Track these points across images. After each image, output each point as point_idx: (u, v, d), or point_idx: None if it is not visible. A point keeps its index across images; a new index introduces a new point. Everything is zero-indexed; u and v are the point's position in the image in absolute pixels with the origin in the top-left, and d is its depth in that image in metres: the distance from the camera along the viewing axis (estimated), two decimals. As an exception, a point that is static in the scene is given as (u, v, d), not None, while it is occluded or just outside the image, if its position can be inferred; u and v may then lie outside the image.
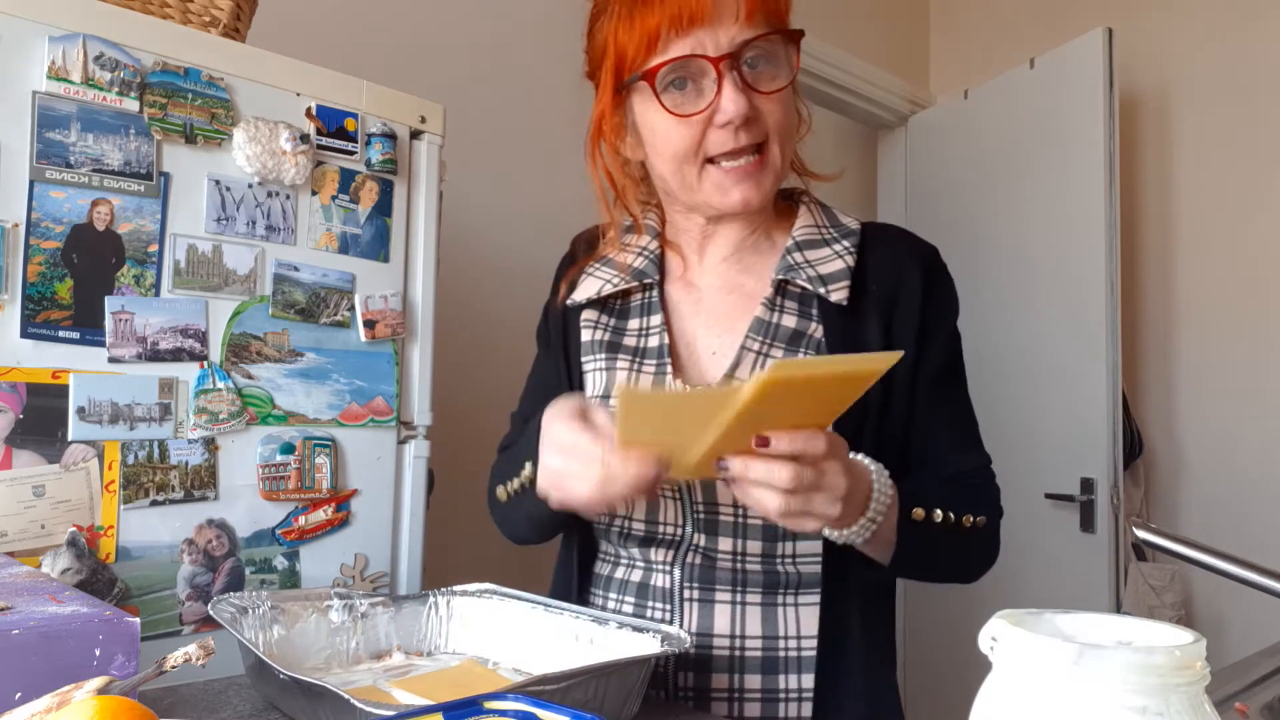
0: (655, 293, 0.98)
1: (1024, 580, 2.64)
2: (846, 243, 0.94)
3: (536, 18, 2.13)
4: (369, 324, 1.14)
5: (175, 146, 1.00)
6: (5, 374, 0.89)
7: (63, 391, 0.92)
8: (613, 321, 1.00)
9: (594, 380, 0.98)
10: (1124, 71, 2.69)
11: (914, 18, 3.35)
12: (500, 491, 0.99)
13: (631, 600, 0.94)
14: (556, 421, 0.79)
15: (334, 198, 1.12)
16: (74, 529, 0.91)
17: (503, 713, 0.50)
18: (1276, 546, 2.44)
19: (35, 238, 0.91)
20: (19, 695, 0.56)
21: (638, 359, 0.95)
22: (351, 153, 1.14)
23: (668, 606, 0.91)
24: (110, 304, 0.95)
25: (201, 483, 1.00)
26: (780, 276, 0.91)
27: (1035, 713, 0.42)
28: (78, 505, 0.92)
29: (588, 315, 1.00)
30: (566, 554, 1.04)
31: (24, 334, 0.90)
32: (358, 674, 0.84)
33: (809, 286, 0.90)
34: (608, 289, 0.99)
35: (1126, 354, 2.64)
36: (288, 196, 1.08)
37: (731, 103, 0.84)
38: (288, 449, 1.07)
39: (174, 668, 0.55)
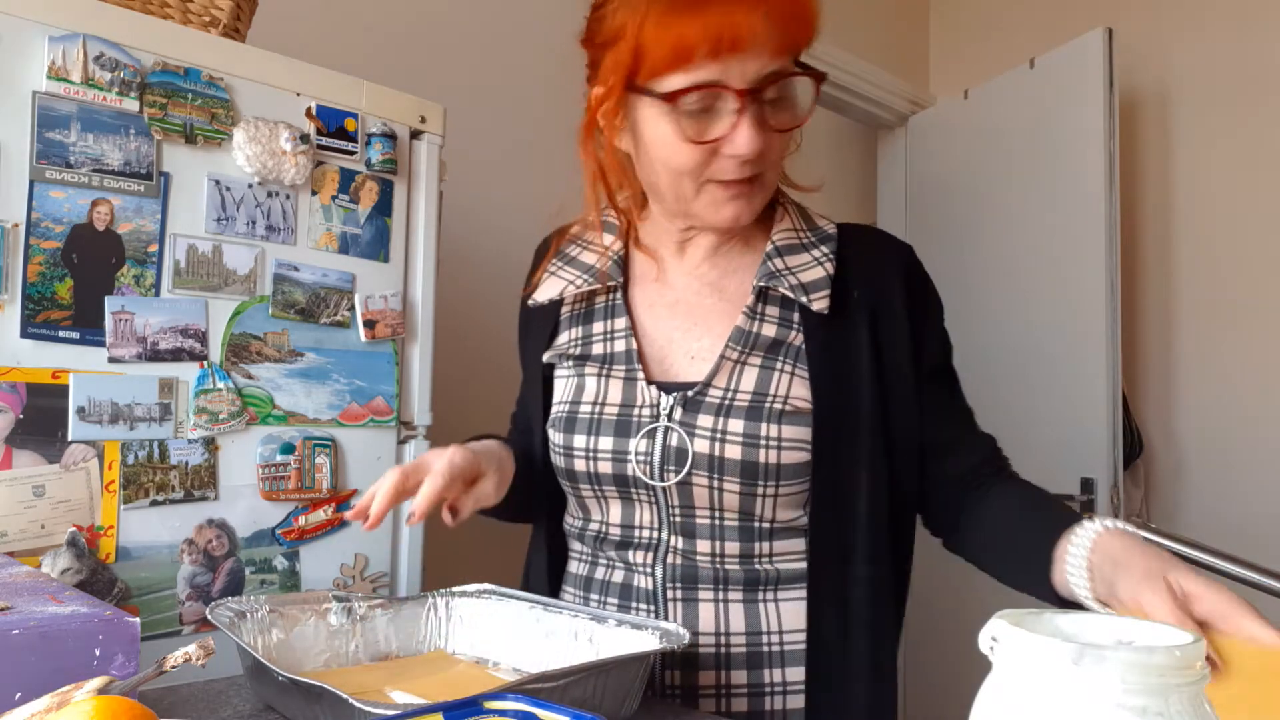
0: (619, 295, 0.97)
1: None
2: (825, 248, 0.93)
3: (536, 18, 2.13)
4: (369, 324, 1.14)
5: (175, 146, 1.00)
6: (5, 374, 0.89)
7: (63, 391, 0.92)
8: (580, 329, 0.98)
9: (563, 387, 0.97)
10: (1124, 71, 2.69)
11: (914, 18, 3.35)
12: None
13: (615, 601, 0.94)
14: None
15: (334, 198, 1.12)
16: (74, 529, 0.91)
17: (503, 713, 0.50)
18: (1276, 546, 2.44)
19: (35, 238, 0.91)
20: (19, 695, 0.56)
21: (606, 364, 0.95)
22: (351, 153, 1.14)
23: (651, 607, 0.91)
24: (110, 304, 0.95)
25: (201, 483, 1.00)
26: (762, 284, 0.90)
27: (1035, 713, 0.42)
28: (78, 505, 0.92)
29: (563, 320, 1.00)
30: (537, 555, 1.04)
31: (24, 334, 0.90)
32: (357, 676, 0.84)
33: (791, 295, 0.89)
34: (571, 290, 0.97)
35: (1126, 354, 2.64)
36: (288, 196, 1.08)
37: (746, 141, 0.82)
38: (288, 449, 1.07)
39: (174, 668, 0.55)
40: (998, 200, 2.86)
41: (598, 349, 0.96)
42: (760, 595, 0.90)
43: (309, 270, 1.10)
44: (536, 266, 1.05)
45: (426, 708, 0.49)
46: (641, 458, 0.89)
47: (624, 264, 0.99)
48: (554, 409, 0.97)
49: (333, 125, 1.12)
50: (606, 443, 0.91)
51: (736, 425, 0.87)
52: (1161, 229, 2.81)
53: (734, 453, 0.86)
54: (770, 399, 0.88)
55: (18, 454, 0.89)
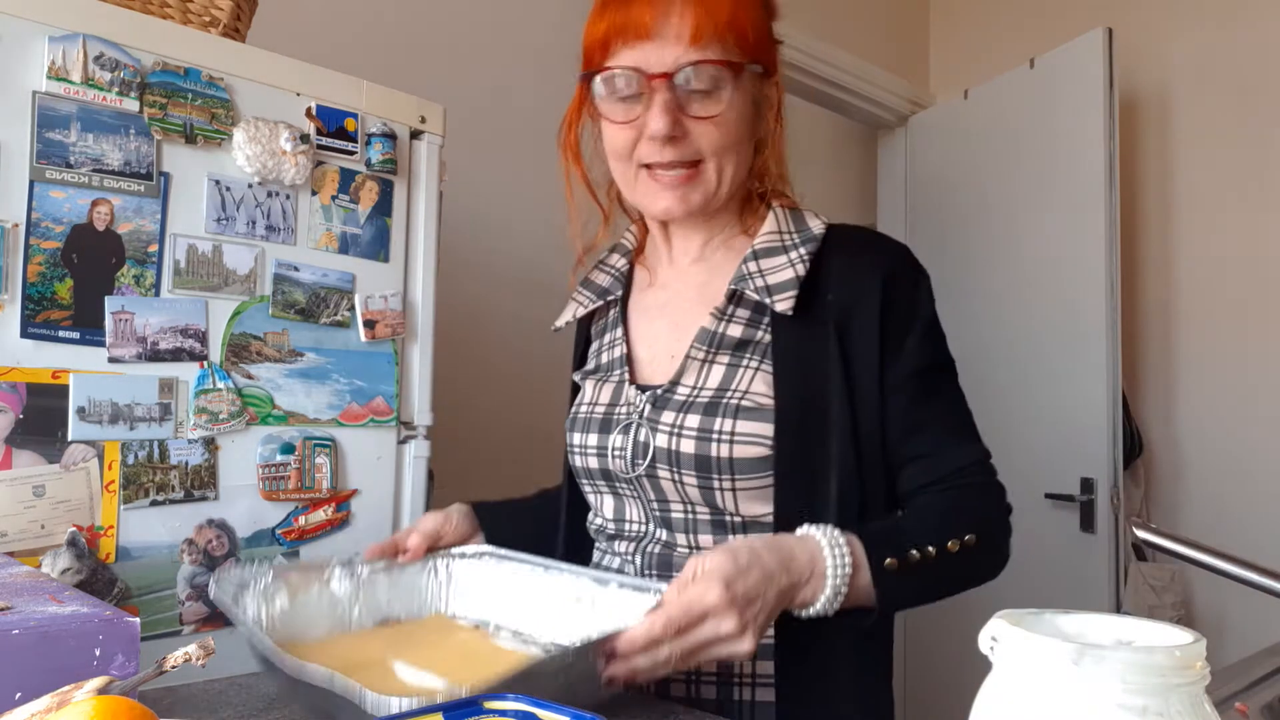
0: (618, 308, 1.05)
1: (1024, 580, 2.63)
2: (805, 249, 0.93)
3: (537, 18, 2.13)
4: (369, 324, 1.14)
5: (175, 146, 1.00)
6: (5, 374, 0.89)
7: (63, 391, 0.92)
8: (596, 344, 1.07)
9: (579, 393, 1.05)
10: (1124, 71, 2.69)
11: (914, 18, 3.35)
12: None
13: None
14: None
15: (334, 198, 1.12)
16: (74, 529, 0.91)
17: (503, 713, 0.50)
18: (1276, 546, 2.44)
19: (35, 238, 0.91)
20: (19, 695, 0.56)
21: (606, 371, 1.02)
22: (351, 153, 1.14)
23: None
24: (110, 304, 0.95)
25: (201, 483, 1.00)
26: (732, 286, 0.93)
27: (1035, 713, 0.42)
28: (78, 505, 0.92)
29: (592, 338, 1.09)
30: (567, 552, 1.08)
31: (24, 334, 0.90)
32: (361, 646, 0.83)
33: (756, 296, 0.91)
34: (581, 311, 1.05)
35: (1126, 354, 2.64)
36: (288, 196, 1.08)
37: (655, 120, 0.89)
38: (288, 449, 1.07)
39: (174, 668, 0.55)
40: (998, 200, 2.86)
41: (604, 358, 1.04)
42: None
43: (309, 270, 1.10)
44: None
45: (426, 708, 0.49)
46: (618, 452, 0.95)
47: (628, 278, 1.07)
48: (571, 411, 1.05)
49: (333, 125, 1.12)
50: (593, 439, 0.98)
51: (693, 420, 0.89)
52: (1161, 229, 2.81)
53: (689, 447, 0.89)
54: (729, 394, 0.90)
55: (18, 454, 0.89)
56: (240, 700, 0.79)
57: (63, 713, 0.48)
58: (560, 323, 1.08)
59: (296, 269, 1.09)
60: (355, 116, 1.14)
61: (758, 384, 0.89)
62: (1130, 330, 2.77)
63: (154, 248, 0.98)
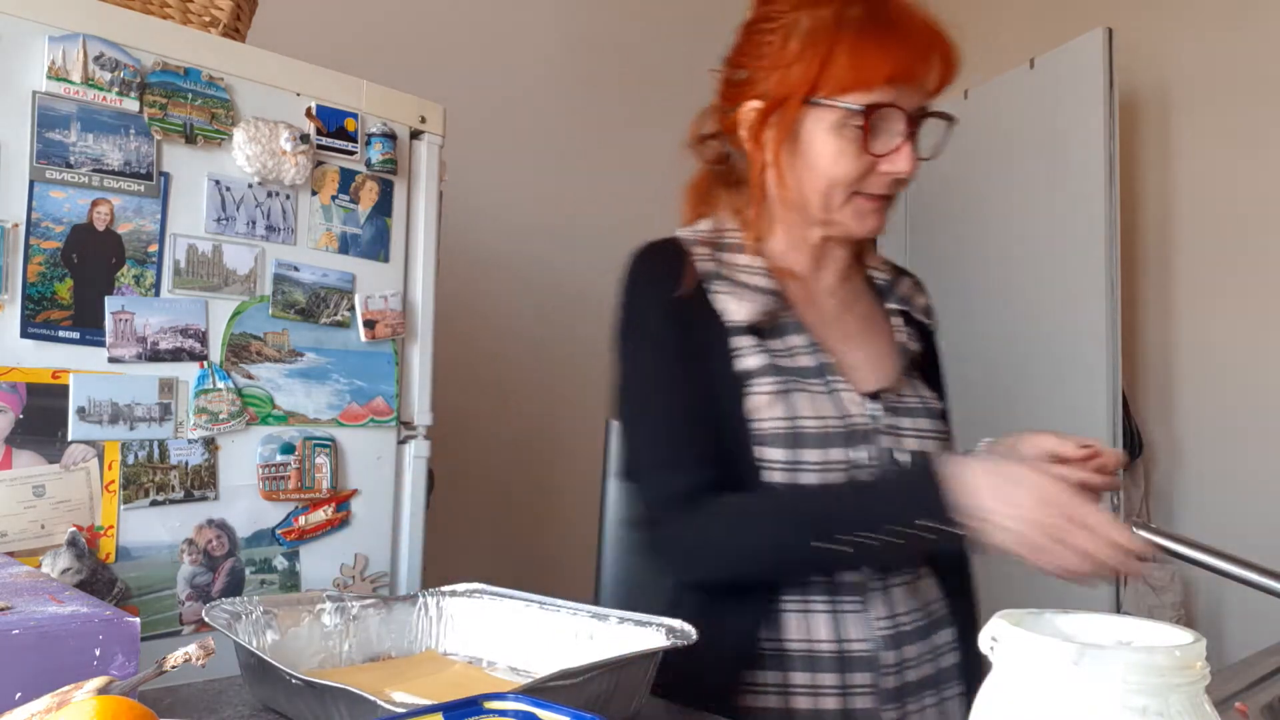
0: (789, 313, 1.00)
1: (1024, 580, 2.63)
2: (909, 279, 1.12)
3: (537, 18, 2.13)
4: (369, 324, 1.14)
5: (175, 146, 1.00)
6: (5, 374, 0.89)
7: (63, 391, 0.92)
8: (756, 342, 0.98)
9: (766, 404, 0.95)
10: (1124, 71, 2.68)
11: (914, 18, 3.35)
12: (842, 541, 0.90)
13: (821, 597, 0.95)
14: (1050, 480, 0.83)
15: (334, 198, 1.12)
16: (74, 529, 0.91)
17: (503, 713, 0.50)
18: (1276, 546, 2.44)
19: (35, 238, 0.91)
20: (19, 695, 0.56)
21: (799, 379, 0.96)
22: (351, 153, 1.14)
23: (859, 598, 0.96)
24: (110, 304, 0.95)
25: (201, 483, 1.00)
26: (900, 308, 1.08)
27: (1035, 713, 0.42)
28: (78, 505, 0.92)
29: (744, 337, 0.98)
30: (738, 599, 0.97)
31: (24, 334, 0.90)
32: (355, 676, 0.84)
33: (922, 318, 1.09)
34: (760, 312, 0.97)
35: (1126, 354, 2.63)
36: (288, 196, 1.08)
37: (909, 161, 0.94)
38: (288, 449, 1.07)
39: (174, 668, 0.55)
40: (998, 200, 2.86)
41: (784, 363, 0.97)
42: (917, 573, 1.02)
43: (309, 270, 1.10)
44: (677, 275, 1.00)
45: (427, 708, 0.49)
46: (872, 462, 0.96)
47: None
48: (766, 425, 0.95)
49: (333, 125, 1.12)
50: (837, 453, 0.94)
51: (924, 423, 1.00)
52: (1161, 229, 2.81)
53: (931, 447, 1.00)
54: (926, 399, 1.03)
55: (18, 454, 0.89)
56: (240, 700, 0.79)
57: (63, 713, 0.48)
58: (744, 318, 0.96)
59: (296, 269, 1.09)
60: (355, 116, 1.14)
61: (929, 389, 1.05)
62: (1130, 330, 2.77)
63: (154, 248, 0.98)
